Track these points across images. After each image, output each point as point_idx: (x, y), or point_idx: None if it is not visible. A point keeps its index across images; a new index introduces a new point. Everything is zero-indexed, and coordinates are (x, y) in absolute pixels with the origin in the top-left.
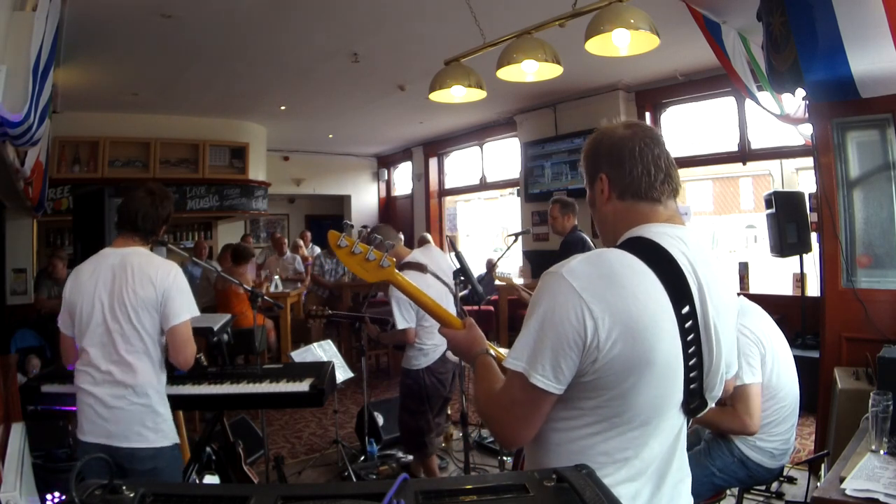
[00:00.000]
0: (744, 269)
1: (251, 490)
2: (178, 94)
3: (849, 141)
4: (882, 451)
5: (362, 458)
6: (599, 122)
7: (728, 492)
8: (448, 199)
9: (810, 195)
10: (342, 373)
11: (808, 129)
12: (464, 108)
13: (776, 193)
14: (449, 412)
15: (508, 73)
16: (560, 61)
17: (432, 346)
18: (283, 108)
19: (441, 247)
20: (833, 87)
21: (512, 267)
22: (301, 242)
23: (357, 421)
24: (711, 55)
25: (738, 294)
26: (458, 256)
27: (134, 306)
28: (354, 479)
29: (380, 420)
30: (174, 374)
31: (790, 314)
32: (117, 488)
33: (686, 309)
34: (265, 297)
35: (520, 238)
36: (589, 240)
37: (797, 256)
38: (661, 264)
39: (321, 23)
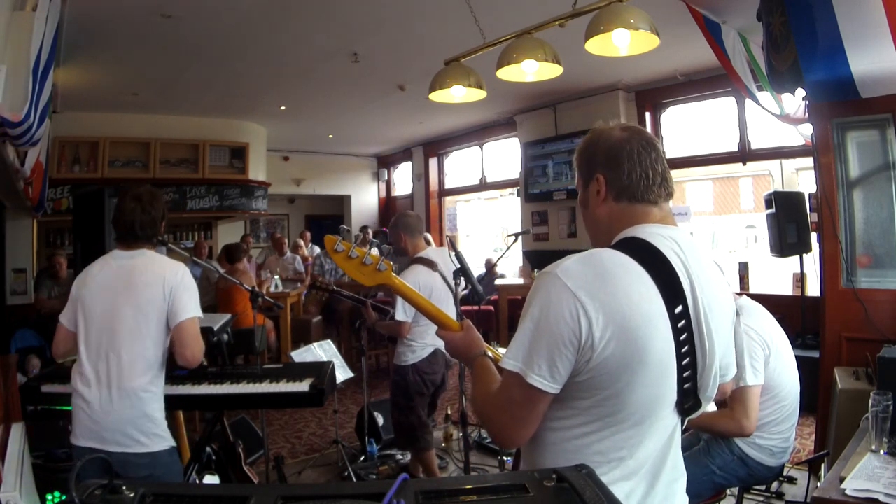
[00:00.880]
0: (744, 269)
1: (251, 490)
2: (178, 94)
3: (849, 141)
4: (882, 451)
5: (362, 458)
6: (597, 122)
7: (728, 492)
8: (448, 199)
9: (810, 195)
10: (342, 373)
11: (808, 129)
12: (464, 108)
13: (776, 193)
14: (449, 412)
15: (508, 73)
16: (560, 61)
17: (421, 345)
18: (283, 108)
19: (441, 247)
20: (833, 87)
21: (512, 267)
22: (301, 242)
23: (357, 421)
24: (711, 55)
25: (741, 294)
26: (458, 256)
27: (140, 305)
28: (354, 479)
29: (380, 420)
30: (174, 374)
31: (790, 314)
32: (117, 488)
33: (679, 308)
34: (265, 297)
35: (520, 238)
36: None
37: (797, 256)
38: (654, 264)
39: (321, 23)
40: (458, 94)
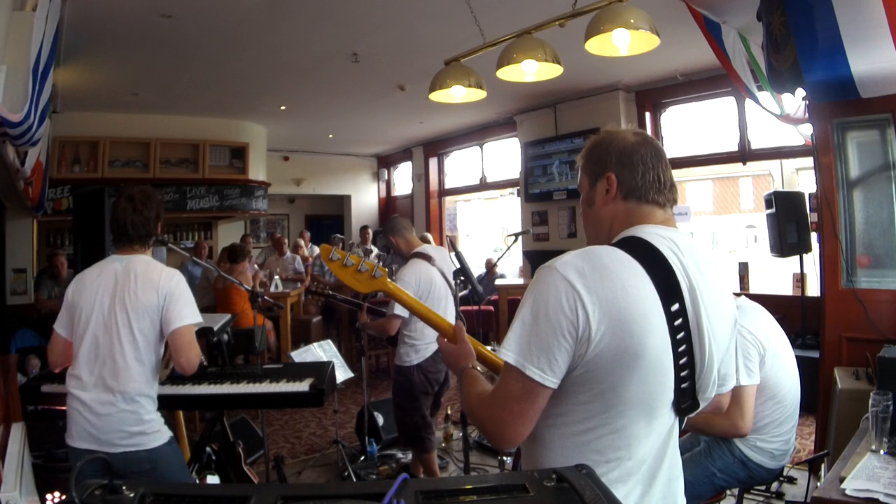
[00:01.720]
0: (744, 269)
1: (251, 490)
2: (178, 94)
3: (849, 141)
4: (882, 451)
5: (362, 458)
6: (599, 122)
7: (728, 492)
8: (448, 199)
9: (810, 195)
10: (342, 373)
11: (808, 129)
12: (464, 108)
13: (776, 193)
14: (449, 412)
15: (508, 73)
16: (560, 61)
17: (424, 345)
18: (283, 108)
19: (440, 246)
20: (833, 87)
21: (512, 267)
22: (301, 242)
23: (357, 421)
24: (711, 55)
25: (739, 294)
26: (458, 256)
27: (135, 310)
28: (354, 479)
29: (380, 420)
30: (174, 374)
31: (790, 314)
32: (117, 488)
33: (676, 307)
34: (265, 297)
35: (520, 238)
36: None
37: (797, 256)
38: (650, 261)
39: (321, 23)
40: (458, 94)
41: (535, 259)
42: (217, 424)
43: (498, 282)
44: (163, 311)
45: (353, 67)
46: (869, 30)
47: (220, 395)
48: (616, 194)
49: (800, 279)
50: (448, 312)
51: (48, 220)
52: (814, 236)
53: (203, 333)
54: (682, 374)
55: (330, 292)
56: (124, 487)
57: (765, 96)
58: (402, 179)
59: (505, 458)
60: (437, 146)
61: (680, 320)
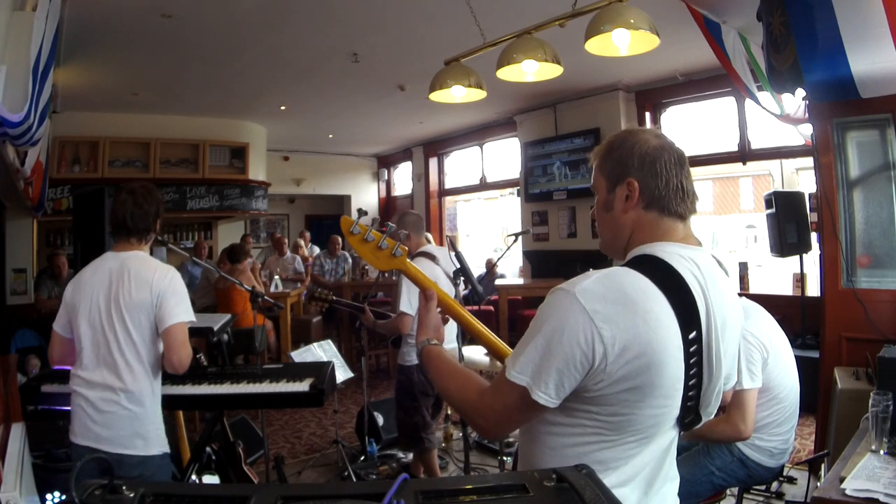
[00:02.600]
0: (744, 269)
1: (251, 490)
2: (178, 94)
3: (849, 141)
4: (882, 451)
5: (362, 458)
6: (599, 122)
7: (728, 492)
8: (448, 199)
9: (810, 195)
10: (342, 373)
11: (808, 129)
12: (464, 108)
13: (776, 193)
14: (449, 412)
15: (508, 73)
16: (560, 61)
17: None
18: (283, 108)
19: (440, 246)
20: (833, 87)
21: (512, 267)
22: (301, 242)
23: (357, 421)
24: (711, 55)
25: (740, 295)
26: (458, 256)
27: (129, 309)
28: (354, 479)
29: (380, 420)
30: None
31: (790, 314)
32: (117, 488)
33: (693, 334)
34: (265, 297)
35: (520, 238)
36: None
37: (797, 256)
38: (672, 289)
39: (321, 23)
40: (458, 94)
41: (536, 259)
42: (217, 424)
43: (498, 282)
44: (156, 308)
45: (353, 67)
46: (869, 30)
47: (220, 395)
48: (638, 202)
49: (800, 279)
50: None
51: (48, 220)
52: (814, 236)
53: (203, 333)
54: (690, 393)
55: (334, 298)
56: (124, 487)
57: (765, 96)
58: (402, 179)
59: (505, 458)
60: (437, 146)
61: (695, 346)
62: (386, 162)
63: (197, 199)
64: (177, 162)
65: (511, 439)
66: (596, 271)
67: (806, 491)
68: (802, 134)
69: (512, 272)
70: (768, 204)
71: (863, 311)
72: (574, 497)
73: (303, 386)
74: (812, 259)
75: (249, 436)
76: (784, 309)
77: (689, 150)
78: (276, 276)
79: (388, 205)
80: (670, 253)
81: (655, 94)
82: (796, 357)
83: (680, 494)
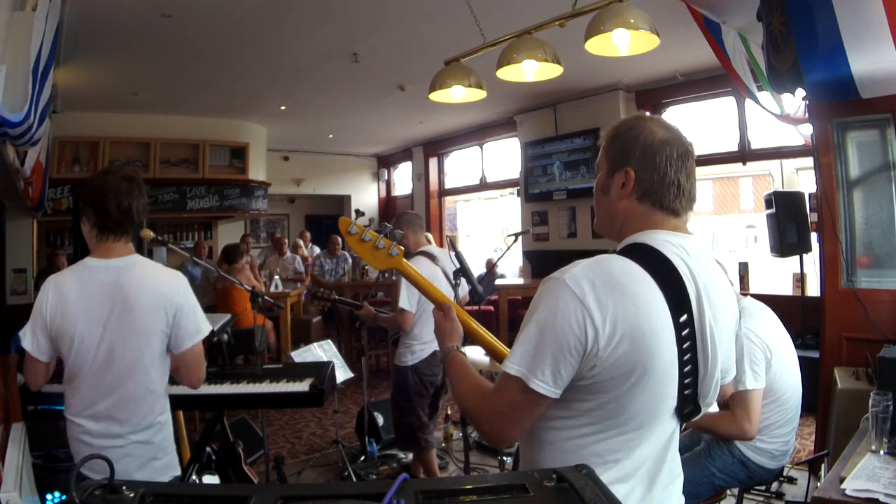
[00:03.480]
0: (744, 269)
1: (251, 490)
2: (178, 94)
3: (849, 141)
4: (882, 451)
5: (362, 458)
6: (600, 122)
7: (728, 492)
8: (448, 199)
9: (810, 195)
10: (342, 373)
11: (808, 129)
12: (464, 108)
13: (776, 193)
14: (449, 412)
15: (508, 73)
16: (560, 61)
17: (420, 346)
18: (283, 108)
19: (441, 247)
20: (833, 87)
21: (512, 267)
22: (301, 242)
23: (357, 421)
24: (711, 55)
25: (744, 294)
26: (458, 256)
27: (141, 334)
28: (354, 479)
29: (380, 420)
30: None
31: (790, 314)
32: (117, 488)
33: (684, 318)
34: (265, 297)
35: (520, 238)
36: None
37: (797, 256)
38: (661, 273)
39: (321, 23)
40: (458, 94)
41: (536, 259)
42: (217, 424)
43: (498, 282)
44: (172, 328)
45: (353, 67)
46: (869, 30)
47: (220, 395)
48: (632, 191)
49: (800, 279)
50: None
51: (48, 220)
52: (814, 236)
53: None
54: (686, 381)
55: (336, 297)
56: (124, 487)
57: (765, 96)
58: (402, 179)
59: (505, 458)
60: (437, 146)
61: (687, 330)
62: (386, 162)
63: (197, 199)
64: (177, 162)
65: None
66: (584, 259)
67: (806, 491)
68: (802, 134)
69: (512, 272)
70: (768, 204)
71: (863, 311)
72: (574, 497)
73: (303, 386)
74: (812, 259)
75: (249, 436)
76: (784, 309)
77: None
78: (276, 276)
79: (388, 205)
80: (659, 240)
81: (655, 94)
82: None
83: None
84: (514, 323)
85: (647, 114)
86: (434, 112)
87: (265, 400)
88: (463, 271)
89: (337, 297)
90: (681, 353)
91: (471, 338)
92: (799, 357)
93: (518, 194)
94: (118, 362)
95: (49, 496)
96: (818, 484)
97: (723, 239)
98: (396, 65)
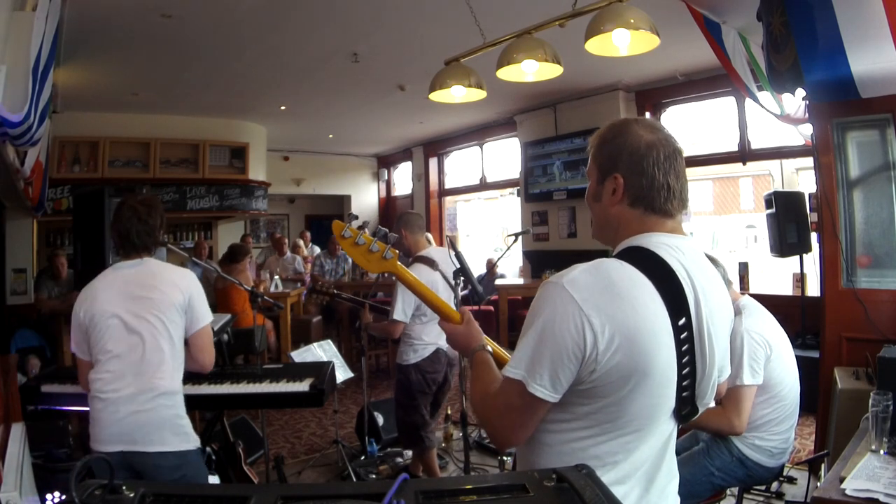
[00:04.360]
0: (744, 269)
1: (251, 490)
2: (178, 94)
3: (849, 141)
4: (882, 451)
5: (362, 458)
6: (600, 122)
7: (728, 492)
8: (448, 199)
9: (810, 195)
10: (342, 373)
11: (808, 129)
12: (464, 108)
13: (776, 193)
14: (449, 412)
15: (508, 73)
16: (560, 61)
17: (423, 345)
18: (283, 108)
19: (441, 247)
20: (833, 87)
21: (512, 267)
22: (301, 242)
23: (357, 421)
24: (711, 55)
25: (743, 293)
26: (458, 256)
27: (163, 308)
28: (354, 479)
29: (380, 420)
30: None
31: (790, 314)
32: (117, 488)
33: (682, 321)
34: (265, 297)
35: (520, 238)
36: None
37: (797, 256)
38: (659, 276)
39: (321, 23)
40: (458, 94)
41: (536, 259)
42: (217, 424)
43: (498, 282)
44: (187, 311)
45: (353, 67)
46: (869, 30)
47: (220, 395)
48: (623, 197)
49: (800, 279)
50: None
51: (48, 220)
52: (814, 236)
53: None
54: (684, 383)
55: (334, 291)
56: (124, 487)
57: (765, 96)
58: (402, 179)
59: (505, 458)
60: (437, 146)
61: (685, 333)
62: (386, 162)
63: (197, 199)
64: (177, 162)
65: None
66: (583, 263)
67: (806, 491)
68: (802, 134)
69: (512, 272)
70: (768, 204)
71: (863, 311)
72: (574, 497)
73: (303, 386)
74: (812, 259)
75: (249, 436)
76: (784, 309)
77: (689, 151)
78: (276, 276)
79: (388, 205)
80: (656, 243)
81: (655, 94)
82: (796, 357)
83: (680, 495)
84: (514, 323)
85: (634, 116)
86: (434, 112)
87: (265, 400)
88: (463, 271)
89: (336, 291)
90: (679, 355)
91: None
92: (799, 357)
93: (518, 194)
94: (141, 336)
95: (49, 496)
96: (818, 484)
97: (723, 239)
98: (396, 65)
